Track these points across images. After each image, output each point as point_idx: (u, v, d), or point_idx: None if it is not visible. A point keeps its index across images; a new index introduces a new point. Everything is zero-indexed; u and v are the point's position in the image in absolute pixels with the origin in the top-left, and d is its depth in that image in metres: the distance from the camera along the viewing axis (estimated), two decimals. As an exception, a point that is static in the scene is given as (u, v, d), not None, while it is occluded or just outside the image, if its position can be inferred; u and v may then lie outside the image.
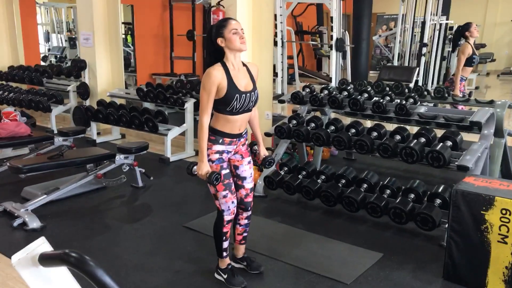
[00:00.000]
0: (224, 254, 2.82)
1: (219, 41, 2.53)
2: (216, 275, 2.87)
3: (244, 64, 2.67)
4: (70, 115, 7.07)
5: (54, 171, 4.38)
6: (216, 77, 2.49)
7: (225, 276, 2.81)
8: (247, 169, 2.80)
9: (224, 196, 2.69)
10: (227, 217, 2.74)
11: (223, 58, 2.58)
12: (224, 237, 2.78)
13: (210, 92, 2.51)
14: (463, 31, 5.66)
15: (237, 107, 2.57)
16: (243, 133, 2.72)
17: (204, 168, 2.56)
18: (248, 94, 2.60)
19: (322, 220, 3.86)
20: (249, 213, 2.88)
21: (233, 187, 2.74)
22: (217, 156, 2.63)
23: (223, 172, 2.65)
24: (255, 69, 2.73)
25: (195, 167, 2.62)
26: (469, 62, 5.48)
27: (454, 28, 12.67)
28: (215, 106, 2.58)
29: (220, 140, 2.62)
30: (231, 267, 2.85)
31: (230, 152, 2.70)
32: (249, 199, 2.85)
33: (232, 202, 2.72)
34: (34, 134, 5.11)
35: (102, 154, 4.44)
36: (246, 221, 2.88)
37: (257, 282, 2.86)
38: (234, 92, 2.53)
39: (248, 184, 2.82)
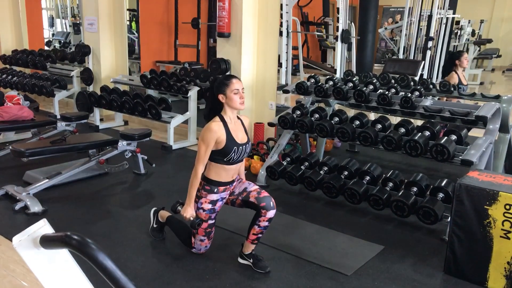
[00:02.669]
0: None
1: (220, 97, 2.71)
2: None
3: (238, 118, 2.84)
4: (73, 101, 7.06)
5: (56, 156, 4.38)
6: (215, 132, 2.67)
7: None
8: (242, 185, 2.90)
9: (201, 240, 2.91)
10: (194, 251, 2.98)
11: (222, 109, 2.75)
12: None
13: (209, 145, 2.67)
14: (454, 58, 5.54)
15: (234, 158, 2.74)
16: (235, 179, 2.90)
17: (189, 212, 2.75)
18: (244, 146, 2.78)
19: (324, 211, 3.86)
20: (273, 213, 2.74)
21: (212, 234, 2.92)
22: (209, 206, 2.80)
23: (210, 222, 2.85)
24: (246, 121, 2.93)
25: (179, 207, 2.79)
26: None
27: (461, 23, 12.63)
28: (212, 157, 2.74)
29: (215, 190, 2.79)
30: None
31: (225, 198, 2.87)
32: (265, 193, 2.79)
33: (206, 247, 2.96)
34: (37, 119, 5.10)
35: (104, 140, 4.43)
36: (266, 224, 2.75)
37: (257, 272, 2.85)
38: (232, 144, 2.71)
39: (252, 187, 2.86)
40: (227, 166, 2.76)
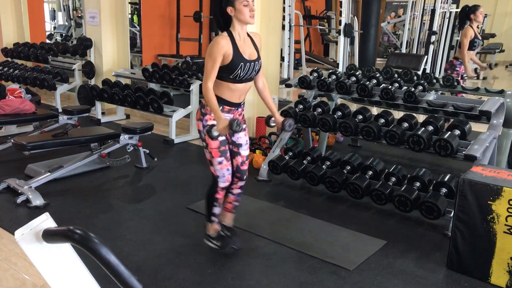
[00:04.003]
0: (213, 218, 2.90)
1: (229, 10, 2.55)
2: (206, 241, 2.96)
3: (248, 35, 2.70)
4: (75, 94, 7.05)
5: (58, 149, 4.37)
6: (223, 46, 2.53)
7: (218, 244, 2.92)
8: (242, 136, 2.85)
9: (220, 163, 2.74)
10: (222, 184, 2.79)
11: (230, 25, 2.60)
12: (215, 203, 2.86)
13: (216, 59, 2.54)
14: (469, 12, 5.46)
15: (241, 75, 2.61)
16: (242, 103, 2.77)
17: (222, 123, 2.50)
18: (253, 63, 2.64)
19: (326, 206, 3.85)
20: (243, 183, 2.91)
21: (228, 154, 2.79)
22: (214, 122, 2.64)
23: (220, 138, 2.70)
24: (258, 39, 2.76)
25: (214, 128, 2.54)
26: (470, 45, 5.39)
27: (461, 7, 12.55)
28: (219, 74, 2.60)
29: (220, 107, 2.64)
30: (222, 233, 2.93)
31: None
32: (245, 167, 2.89)
33: (228, 169, 2.78)
34: (39, 112, 5.09)
35: (106, 133, 4.42)
36: (239, 191, 2.93)
37: (259, 266, 2.85)
38: (239, 60, 2.58)
39: (244, 151, 2.87)
40: (233, 84, 2.63)
